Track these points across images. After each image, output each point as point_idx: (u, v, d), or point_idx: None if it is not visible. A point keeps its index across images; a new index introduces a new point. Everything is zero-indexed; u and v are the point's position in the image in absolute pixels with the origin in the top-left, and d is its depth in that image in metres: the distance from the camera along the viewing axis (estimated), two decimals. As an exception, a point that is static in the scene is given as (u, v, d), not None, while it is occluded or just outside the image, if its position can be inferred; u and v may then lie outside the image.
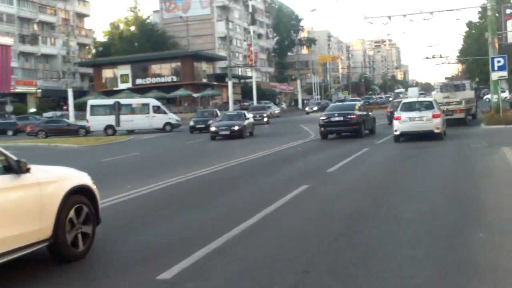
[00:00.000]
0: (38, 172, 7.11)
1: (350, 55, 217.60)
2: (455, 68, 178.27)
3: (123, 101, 47.49)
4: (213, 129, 32.90)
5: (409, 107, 23.69)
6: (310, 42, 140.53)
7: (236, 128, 32.31)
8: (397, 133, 22.80)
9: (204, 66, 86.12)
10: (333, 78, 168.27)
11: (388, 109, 38.76)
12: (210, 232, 8.58)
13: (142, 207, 11.32)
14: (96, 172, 14.70)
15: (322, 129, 27.50)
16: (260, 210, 9.99)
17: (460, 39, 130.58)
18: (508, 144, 18.69)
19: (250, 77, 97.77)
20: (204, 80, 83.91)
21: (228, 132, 32.14)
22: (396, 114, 23.38)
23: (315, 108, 73.58)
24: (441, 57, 66.94)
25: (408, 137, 23.24)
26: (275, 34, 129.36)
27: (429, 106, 23.47)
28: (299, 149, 23.33)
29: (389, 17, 36.97)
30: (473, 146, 19.86)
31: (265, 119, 50.34)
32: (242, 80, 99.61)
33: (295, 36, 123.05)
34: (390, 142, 23.89)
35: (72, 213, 7.33)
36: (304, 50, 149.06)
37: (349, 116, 26.89)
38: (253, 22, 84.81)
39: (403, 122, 22.62)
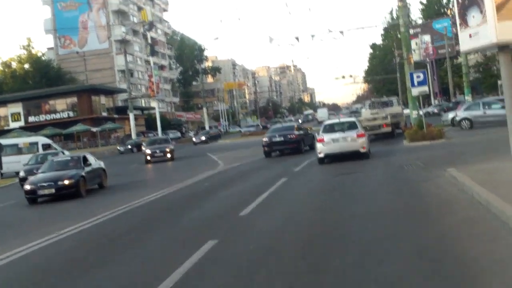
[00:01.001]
0: None
1: (256, 81, 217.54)
2: (362, 88, 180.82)
3: (7, 141, 42.31)
4: (28, 187, 20.00)
5: (332, 128, 22.80)
6: (215, 70, 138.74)
7: (67, 182, 19.82)
8: (321, 155, 21.77)
9: (103, 100, 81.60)
10: (240, 104, 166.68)
11: None
12: None
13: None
14: None
15: (265, 148, 29.95)
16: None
17: (365, 61, 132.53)
18: (446, 163, 16.01)
19: (154, 108, 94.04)
20: (104, 114, 79.57)
21: (52, 190, 19.75)
22: (318, 136, 22.27)
23: (203, 138, 66.44)
24: (351, 76, 65.18)
25: (332, 158, 21.98)
26: (178, 65, 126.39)
27: (352, 126, 22.52)
28: (206, 184, 19.68)
29: (297, 38, 34.40)
30: (407, 168, 16.87)
31: (168, 155, 37.94)
32: (146, 112, 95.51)
33: (199, 65, 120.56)
34: (311, 167, 21.32)
35: None
36: (210, 79, 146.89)
37: (289, 136, 29.49)
38: (153, 53, 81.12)
39: (327, 143, 21.66)
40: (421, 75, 27.03)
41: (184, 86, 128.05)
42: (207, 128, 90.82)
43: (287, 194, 14.58)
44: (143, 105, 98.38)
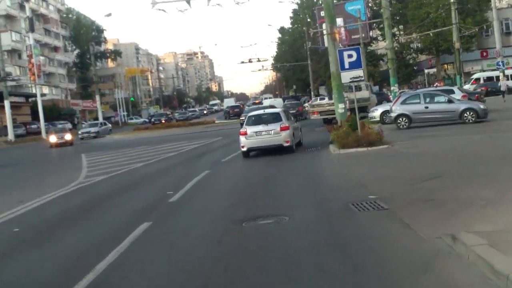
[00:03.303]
0: None
1: (161, 68, 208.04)
2: (269, 77, 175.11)
3: None
4: None
5: (256, 120, 21.92)
6: (115, 54, 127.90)
7: None
8: (244, 149, 21.15)
9: (-24, 84, 70.10)
10: (144, 92, 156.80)
11: None
12: None
13: None
14: None
15: None
16: None
17: (274, 46, 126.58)
18: (420, 200, 9.34)
19: (43, 95, 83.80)
20: (-23, 101, 68.23)
21: None
22: (242, 129, 21.71)
23: None
24: (258, 60, 58.28)
25: (257, 152, 21.43)
26: (74, 47, 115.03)
27: (277, 118, 21.50)
28: (16, 229, 11.50)
29: (188, 2, 26.60)
30: (360, 212, 9.39)
31: None
32: (33, 99, 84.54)
33: (97, 48, 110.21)
34: (206, 185, 14.00)
35: None
36: (111, 64, 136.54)
37: None
38: (32, 28, 70.36)
39: (250, 137, 20.97)
40: (354, 54, 19.75)
41: (82, 71, 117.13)
42: (100, 119, 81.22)
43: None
44: (34, 91, 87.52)
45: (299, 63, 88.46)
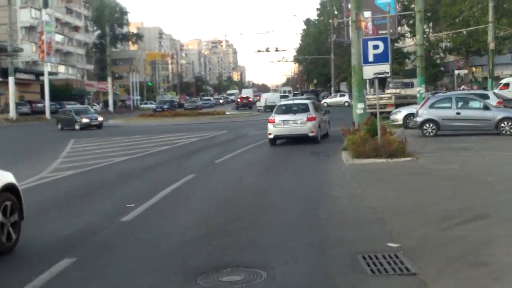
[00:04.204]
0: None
1: (183, 54, 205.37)
2: (291, 70, 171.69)
3: None
4: None
5: (285, 110, 22.98)
6: (137, 37, 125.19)
7: None
8: (271, 136, 22.22)
9: (-16, 59, 67.90)
10: (162, 78, 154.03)
11: None
12: None
13: None
14: None
15: None
16: None
17: (298, 38, 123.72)
18: (461, 253, 6.29)
19: (55, 73, 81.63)
20: (-15, 77, 66.00)
21: None
22: (270, 117, 22.64)
23: None
24: (277, 50, 55.33)
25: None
26: (96, 28, 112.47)
27: (304, 109, 22.59)
28: None
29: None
30: (375, 278, 5.95)
31: None
32: (44, 77, 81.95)
33: (119, 30, 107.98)
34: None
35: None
36: (132, 47, 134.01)
37: None
38: (46, 4, 67.80)
39: (277, 125, 22.09)
40: (381, 45, 16.34)
41: (101, 52, 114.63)
42: (110, 101, 78.38)
43: None
44: (50, 70, 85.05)
45: (322, 56, 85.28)
